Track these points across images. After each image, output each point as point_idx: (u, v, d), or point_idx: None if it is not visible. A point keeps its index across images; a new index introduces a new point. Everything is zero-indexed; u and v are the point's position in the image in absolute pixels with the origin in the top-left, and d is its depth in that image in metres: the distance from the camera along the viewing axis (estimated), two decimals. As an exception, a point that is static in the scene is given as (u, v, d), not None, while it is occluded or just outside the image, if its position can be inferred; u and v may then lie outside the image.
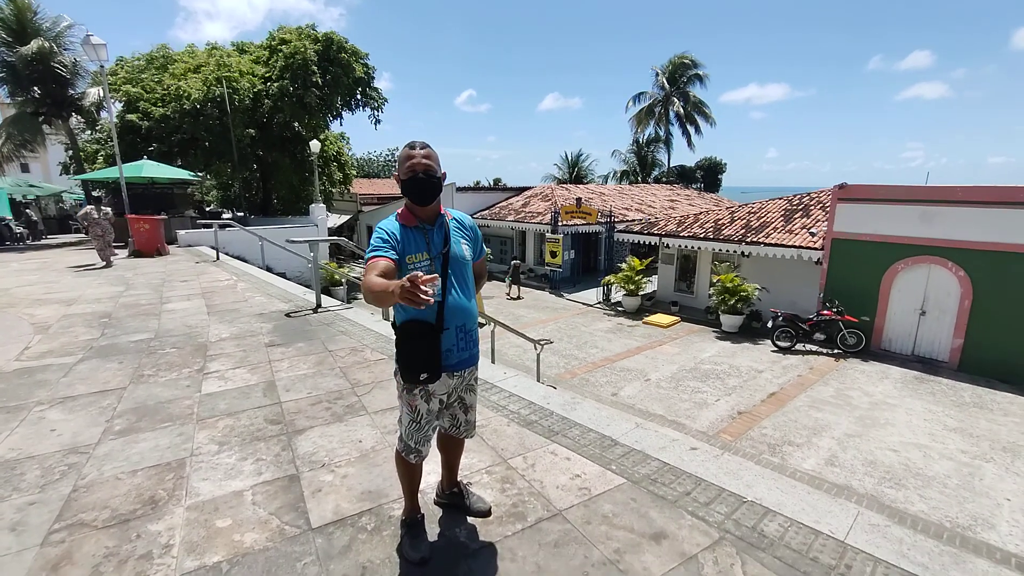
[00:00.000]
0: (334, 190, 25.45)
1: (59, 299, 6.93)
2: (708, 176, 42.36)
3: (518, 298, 17.49)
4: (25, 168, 29.50)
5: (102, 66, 12.21)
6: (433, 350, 1.75)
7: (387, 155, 55.53)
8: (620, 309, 15.41)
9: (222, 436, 3.00)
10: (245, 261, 11.45)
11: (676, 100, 35.85)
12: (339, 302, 6.85)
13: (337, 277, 10.57)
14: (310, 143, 17.05)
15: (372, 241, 1.77)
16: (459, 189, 23.71)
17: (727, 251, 13.88)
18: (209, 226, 12.88)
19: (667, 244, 15.48)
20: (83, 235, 14.51)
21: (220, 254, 11.32)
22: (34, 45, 13.89)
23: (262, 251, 11.49)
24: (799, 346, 11.19)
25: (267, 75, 19.26)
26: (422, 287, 1.34)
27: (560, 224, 18.38)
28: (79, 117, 16.39)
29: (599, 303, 16.43)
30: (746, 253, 13.34)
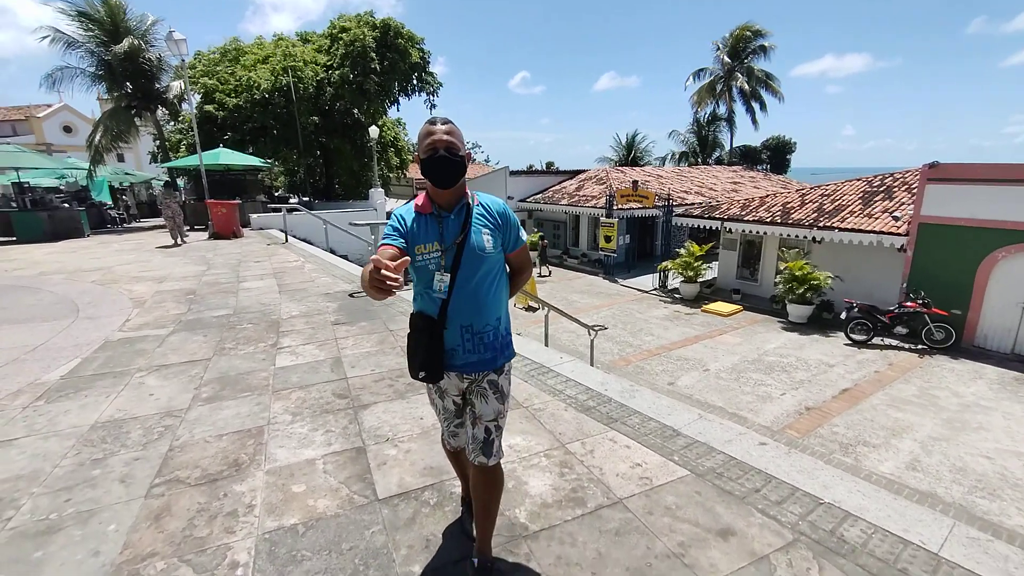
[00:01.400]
0: (391, 175, 26.18)
1: (152, 277, 7.61)
2: (775, 156, 39.66)
3: (548, 275, 18.26)
4: (120, 158, 32.42)
5: (183, 60, 13.08)
6: (432, 348, 1.61)
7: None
8: (677, 296, 14.91)
9: (295, 407, 3.19)
10: (311, 243, 12.04)
11: (739, 75, 33.60)
12: (398, 284, 7.05)
13: (395, 260, 10.87)
14: (369, 129, 17.56)
15: (384, 229, 1.66)
16: (512, 173, 23.63)
17: (796, 236, 13.00)
18: (278, 210, 13.64)
19: (729, 229, 14.72)
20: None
21: (288, 236, 11.98)
22: (125, 43, 15.09)
23: (326, 234, 12.05)
24: (876, 340, 10.36)
25: (329, 63, 19.93)
26: (385, 273, 1.21)
27: (615, 208, 17.93)
28: (164, 109, 17.72)
29: (655, 289, 15.97)
30: (818, 239, 12.44)
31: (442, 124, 1.56)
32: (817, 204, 13.31)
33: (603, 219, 18.32)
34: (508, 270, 1.79)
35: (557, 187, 23.49)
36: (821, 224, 12.13)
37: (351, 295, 6.30)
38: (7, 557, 1.92)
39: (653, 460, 2.48)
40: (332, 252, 11.13)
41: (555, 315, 7.70)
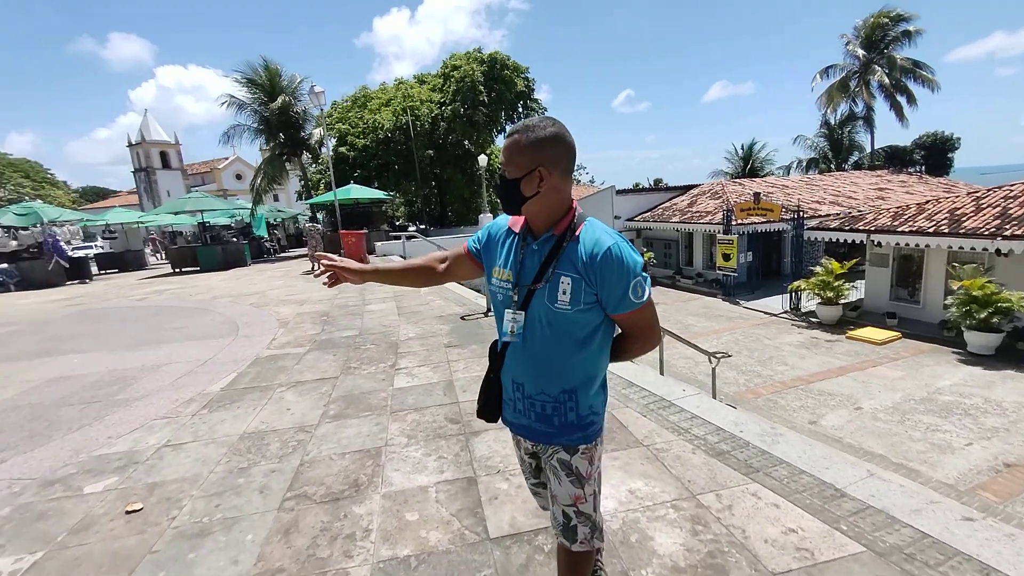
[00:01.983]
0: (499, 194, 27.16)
1: (295, 300, 8.60)
2: (932, 156, 33.74)
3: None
4: (275, 197, 38.04)
5: (322, 110, 14.96)
6: (488, 384, 1.43)
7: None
8: (814, 320, 13.15)
9: (410, 430, 3.25)
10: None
11: (877, 68, 29.31)
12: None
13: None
14: (478, 158, 18.46)
15: None
16: (618, 192, 23.11)
17: (972, 249, 10.75)
18: (398, 238, 14.82)
19: (878, 242, 12.68)
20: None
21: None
22: (279, 100, 17.78)
23: (439, 258, 12.74)
24: (1104, 379, 8.04)
25: (442, 100, 21.50)
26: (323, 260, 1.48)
27: (734, 223, 16.54)
28: (308, 153, 20.45)
29: (785, 312, 14.28)
30: (1004, 251, 10.15)
31: (509, 135, 1.24)
32: (999, 209, 10.92)
33: (720, 236, 16.99)
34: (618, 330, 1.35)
35: (667, 204, 22.44)
36: (1009, 232, 9.90)
37: (462, 318, 6.47)
38: (169, 555, 2.13)
39: (812, 527, 2.04)
40: (445, 276, 11.68)
41: (669, 340, 7.15)
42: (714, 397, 6.51)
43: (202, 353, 5.41)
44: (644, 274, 1.21)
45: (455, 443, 3.03)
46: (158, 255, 24.36)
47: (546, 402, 1.30)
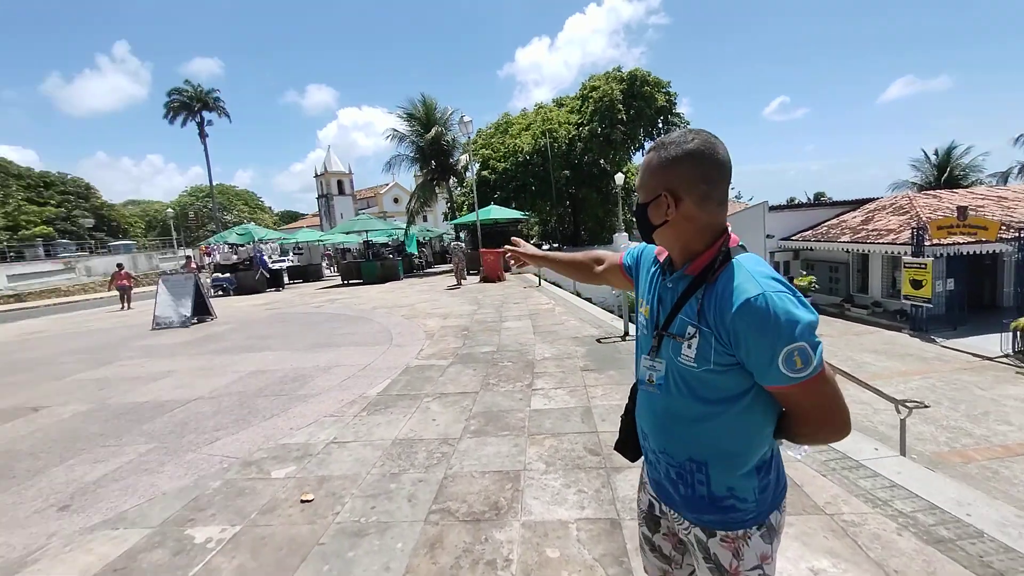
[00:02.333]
0: (634, 219, 26.48)
1: (439, 313, 9.26)
2: None
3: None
4: (424, 218, 42.14)
5: (468, 137, 16.13)
6: (626, 421, 1.30)
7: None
8: (1053, 369, 10.14)
9: (548, 456, 3.17)
10: (559, 287, 12.86)
11: None
12: (645, 331, 6.74)
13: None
14: (615, 177, 18.18)
15: None
16: (772, 208, 20.77)
17: None
18: (524, 269, 15.17)
19: None
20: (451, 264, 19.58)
21: (541, 280, 13.08)
22: (433, 131, 19.69)
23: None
24: None
25: (579, 121, 21.74)
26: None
27: (927, 243, 13.67)
28: (454, 178, 22.24)
29: (1007, 356, 11.26)
30: None
31: (645, 154, 1.07)
32: None
33: (908, 258, 14.16)
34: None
35: (833, 221, 19.51)
36: None
37: (599, 340, 6.28)
38: (332, 550, 2.33)
39: None
40: (578, 295, 11.60)
41: (841, 379, 6.05)
42: (902, 454, 5.31)
43: (363, 358, 6.06)
44: (812, 338, 0.90)
45: (595, 477, 2.86)
46: (331, 268, 28.49)
47: (670, 464, 1.10)
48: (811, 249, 18.82)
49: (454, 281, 13.91)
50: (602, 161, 21.62)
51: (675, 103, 21.34)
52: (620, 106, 19.71)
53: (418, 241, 24.40)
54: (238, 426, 4.03)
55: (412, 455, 3.30)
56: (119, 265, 16.14)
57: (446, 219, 26.42)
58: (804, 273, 18.00)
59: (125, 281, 14.83)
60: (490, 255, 14.52)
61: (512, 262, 1.72)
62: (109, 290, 17.55)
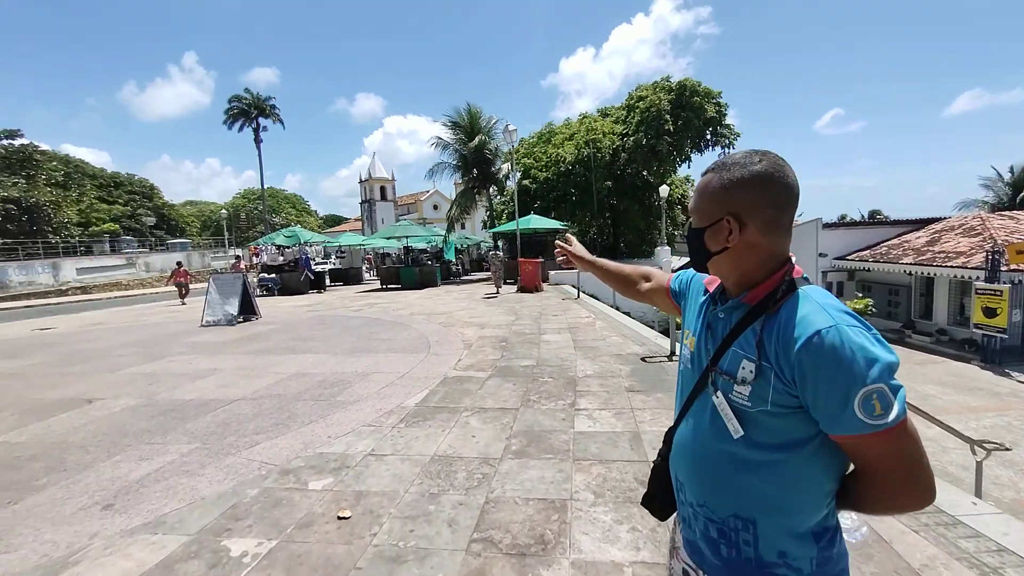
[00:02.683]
0: (676, 232, 25.81)
1: (477, 323, 9.16)
2: None
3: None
4: (463, 225, 42.55)
5: (512, 146, 16.12)
6: (656, 469, 1.13)
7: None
8: None
9: (596, 485, 2.95)
10: (597, 299, 12.55)
11: None
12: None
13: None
14: (659, 188, 17.74)
15: None
16: (826, 225, 19.73)
17: None
18: (572, 267, 14.93)
19: None
20: (489, 272, 19.55)
21: (580, 292, 12.81)
22: (477, 140, 19.84)
23: (613, 291, 12.37)
24: None
25: (624, 132, 21.40)
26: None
27: (1004, 268, 12.57)
28: (495, 186, 22.30)
29: (1098, 397, 10.14)
30: None
31: (703, 175, 0.97)
32: None
33: (981, 283, 13.07)
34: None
35: (894, 241, 18.34)
36: None
37: (643, 359, 5.99)
38: (371, 575, 2.19)
39: None
40: (617, 308, 11.27)
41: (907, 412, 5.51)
42: (977, 496, 4.75)
43: (401, 366, 5.99)
44: (892, 381, 0.77)
45: (650, 515, 2.62)
46: (370, 272, 29.10)
47: (710, 520, 0.95)
48: (868, 270, 17.72)
49: (492, 289, 13.84)
50: (645, 172, 21.18)
51: (725, 114, 20.68)
52: (667, 116, 19.25)
53: (456, 248, 24.59)
54: (277, 430, 4.00)
55: (451, 474, 3.15)
56: (179, 263, 16.99)
57: (484, 227, 26.50)
58: (859, 295, 16.93)
59: (183, 278, 15.60)
60: (528, 265, 14.37)
61: (560, 259, 1.68)
62: (166, 285, 18.48)
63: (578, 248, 1.63)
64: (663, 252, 16.96)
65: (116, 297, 21.59)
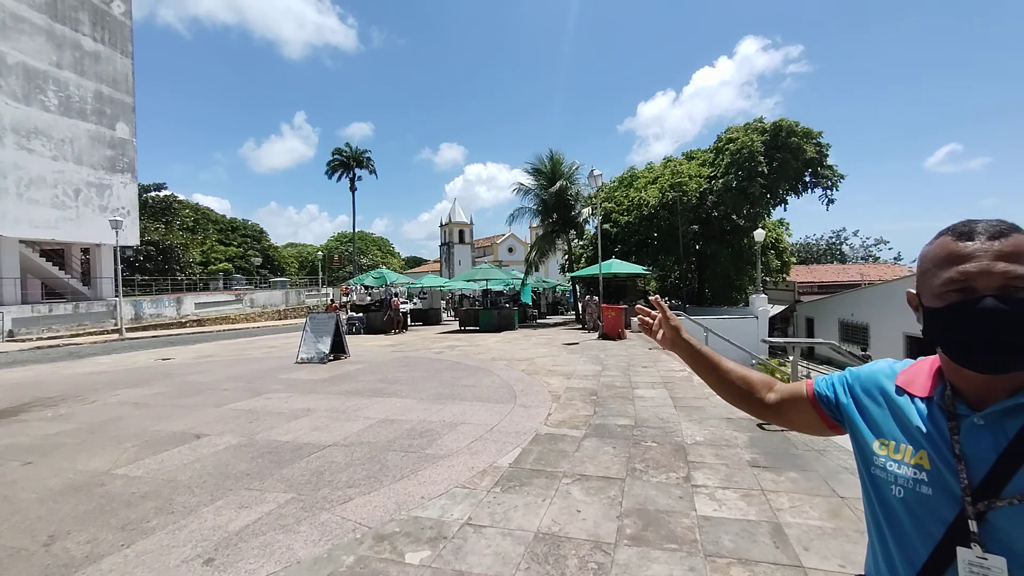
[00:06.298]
0: (768, 278, 23.94)
1: (561, 372, 8.74)
2: None
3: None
4: (537, 268, 42.85)
5: (596, 191, 15.97)
6: None
7: (830, 237, 49.10)
8: None
9: (742, 597, 2.39)
10: (689, 351, 11.64)
11: None
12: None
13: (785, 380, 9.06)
14: (754, 232, 16.58)
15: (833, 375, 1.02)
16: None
17: None
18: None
19: None
20: (565, 315, 19.11)
21: (668, 342, 11.99)
22: (558, 185, 19.98)
23: (706, 341, 11.43)
24: None
25: (711, 174, 20.56)
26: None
27: None
28: (575, 231, 22.18)
29: None
30: None
31: (989, 238, 0.73)
32: None
33: None
34: None
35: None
36: None
37: (760, 426, 5.23)
38: None
39: None
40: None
41: None
42: None
43: (489, 417, 5.72)
44: None
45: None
46: (448, 313, 29.81)
47: None
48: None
49: (571, 336, 13.38)
50: (735, 216, 20.05)
51: (827, 155, 19.19)
52: (761, 158, 18.23)
53: (533, 291, 24.53)
54: (369, 484, 3.83)
55: (561, 560, 2.74)
56: (332, 299, 18.38)
57: (562, 271, 26.31)
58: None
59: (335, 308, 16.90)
60: (612, 311, 13.81)
61: (643, 327, 1.30)
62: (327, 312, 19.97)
63: (673, 318, 1.22)
64: (759, 300, 15.55)
65: (225, 330, 23.76)
